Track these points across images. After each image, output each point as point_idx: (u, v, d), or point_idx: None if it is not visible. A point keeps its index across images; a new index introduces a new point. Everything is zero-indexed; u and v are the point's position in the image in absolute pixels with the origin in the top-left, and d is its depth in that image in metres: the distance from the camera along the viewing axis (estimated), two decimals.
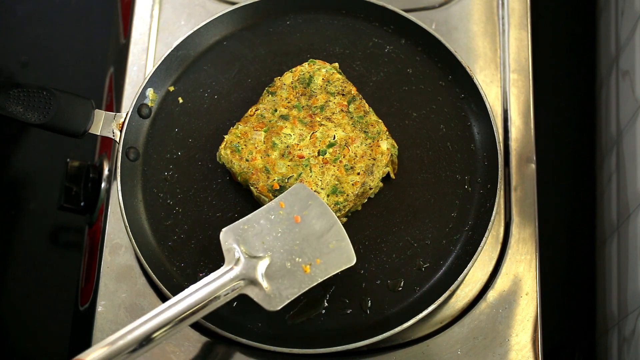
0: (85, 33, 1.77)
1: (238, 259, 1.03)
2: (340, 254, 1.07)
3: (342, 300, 1.18)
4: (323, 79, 1.24)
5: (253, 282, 1.03)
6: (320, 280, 1.06)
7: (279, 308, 1.03)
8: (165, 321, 0.98)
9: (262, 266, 1.03)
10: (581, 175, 1.61)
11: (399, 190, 1.23)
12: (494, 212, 1.18)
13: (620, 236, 1.37)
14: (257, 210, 1.06)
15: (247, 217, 1.05)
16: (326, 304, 1.18)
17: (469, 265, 1.16)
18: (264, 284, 1.03)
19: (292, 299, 1.03)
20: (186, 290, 1.01)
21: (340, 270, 1.07)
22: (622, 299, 1.34)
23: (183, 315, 0.99)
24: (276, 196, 1.17)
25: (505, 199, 1.26)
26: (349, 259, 1.08)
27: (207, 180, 1.24)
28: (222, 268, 1.04)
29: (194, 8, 1.38)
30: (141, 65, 1.34)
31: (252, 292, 1.03)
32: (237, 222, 1.05)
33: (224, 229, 1.04)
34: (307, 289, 1.05)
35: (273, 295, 1.03)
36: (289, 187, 1.17)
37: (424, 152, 1.25)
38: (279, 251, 1.04)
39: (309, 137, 1.20)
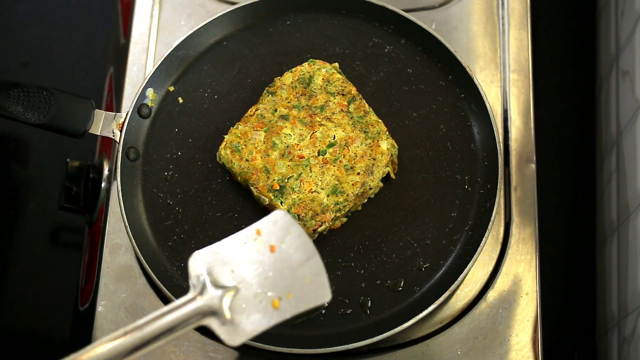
0: (85, 33, 1.77)
1: (204, 288, 0.93)
2: (314, 289, 0.96)
3: (342, 300, 1.18)
4: (323, 79, 1.24)
5: (217, 313, 0.93)
6: (289, 317, 0.94)
7: (239, 344, 0.93)
8: (113, 353, 0.88)
9: (228, 297, 0.93)
10: (581, 175, 1.61)
11: (399, 190, 1.23)
12: (494, 212, 1.18)
13: (620, 236, 1.37)
14: (231, 236, 0.97)
15: (220, 242, 0.96)
16: (326, 304, 1.18)
17: (469, 265, 1.16)
18: (228, 316, 0.93)
19: (256, 335, 0.93)
20: (143, 318, 0.90)
21: (312, 307, 0.95)
22: (622, 299, 1.34)
23: (134, 347, 0.89)
24: (276, 196, 1.17)
25: (505, 199, 1.26)
26: (324, 295, 0.96)
27: (207, 180, 1.24)
28: (186, 296, 0.93)
29: (194, 8, 1.38)
30: (141, 65, 1.34)
31: (214, 324, 0.93)
32: (208, 247, 0.96)
33: (194, 253, 0.95)
34: (273, 325, 0.94)
35: (236, 329, 0.93)
36: (289, 187, 1.17)
37: (424, 152, 1.25)
38: (249, 282, 0.95)
39: (309, 137, 1.20)
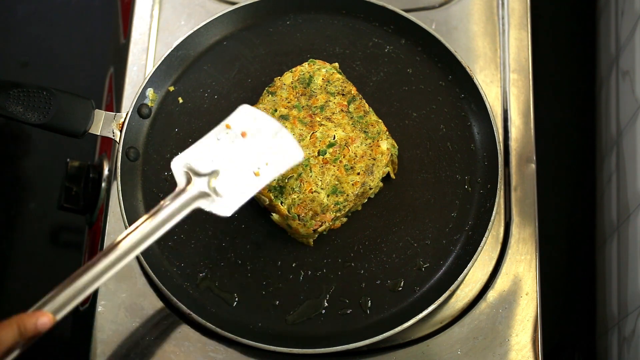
0: (85, 33, 1.77)
1: (189, 180, 1.06)
2: (287, 152, 1.10)
3: (342, 300, 1.18)
4: (323, 79, 1.24)
5: (205, 195, 1.05)
6: (271, 178, 1.09)
7: (232, 213, 1.05)
8: (127, 248, 1.00)
9: (212, 180, 1.06)
10: (581, 175, 1.61)
11: (399, 190, 1.23)
12: (494, 212, 1.18)
13: (620, 236, 1.37)
14: (203, 137, 1.08)
15: (194, 145, 1.08)
16: (326, 304, 1.18)
17: (469, 265, 1.16)
18: (216, 194, 1.05)
19: (245, 201, 1.06)
20: (143, 217, 1.02)
21: (289, 166, 1.10)
22: (622, 299, 1.34)
23: (141, 239, 1.01)
24: (276, 197, 1.17)
25: (505, 199, 1.26)
26: (296, 155, 1.10)
27: None
28: (174, 191, 1.05)
29: (194, 8, 1.38)
30: (141, 65, 1.34)
31: (204, 204, 1.05)
32: (185, 150, 1.07)
33: (174, 159, 1.06)
34: (258, 189, 1.09)
35: (226, 201, 1.06)
36: (289, 187, 1.17)
37: (424, 152, 1.25)
38: (228, 164, 1.07)
39: (309, 137, 1.20)
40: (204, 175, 1.06)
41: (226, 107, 1.28)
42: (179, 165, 1.07)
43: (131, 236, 1.00)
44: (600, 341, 1.45)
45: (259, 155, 1.10)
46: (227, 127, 1.10)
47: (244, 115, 1.11)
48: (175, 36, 1.34)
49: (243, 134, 1.10)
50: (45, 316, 0.94)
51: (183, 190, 1.05)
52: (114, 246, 0.99)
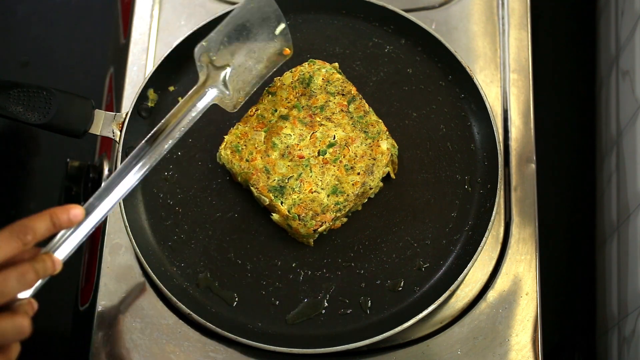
0: (85, 33, 1.77)
1: (208, 75, 1.11)
2: (282, 41, 1.15)
3: (342, 300, 1.18)
4: (323, 79, 1.24)
5: (220, 91, 1.12)
6: (269, 72, 1.16)
7: (238, 109, 1.15)
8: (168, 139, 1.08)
9: (225, 74, 1.12)
10: (581, 175, 1.61)
11: (399, 190, 1.23)
12: (494, 212, 1.18)
13: (620, 236, 1.37)
14: (225, 22, 1.11)
15: (216, 30, 1.11)
16: (326, 304, 1.18)
17: (469, 265, 1.16)
18: (227, 90, 1.12)
19: (247, 98, 1.14)
20: (173, 111, 1.09)
21: (277, 52, 1.16)
22: (622, 299, 1.34)
23: (177, 130, 1.09)
24: (277, 197, 1.17)
25: (505, 199, 1.26)
26: (286, 44, 1.16)
27: (207, 180, 1.24)
28: (198, 86, 1.11)
29: (194, 8, 1.38)
30: (141, 65, 1.34)
31: (219, 101, 1.13)
32: (208, 37, 1.11)
33: (199, 45, 1.10)
34: (257, 85, 1.15)
35: (232, 98, 1.13)
36: (289, 187, 1.17)
37: (424, 152, 1.25)
38: (240, 56, 1.13)
39: (309, 137, 1.20)
40: (220, 67, 1.11)
41: None
42: (200, 54, 1.10)
43: (167, 126, 1.07)
44: (600, 341, 1.45)
45: (257, 49, 1.13)
46: (243, 18, 1.12)
47: (255, 3, 1.12)
48: (175, 36, 1.34)
49: (249, 21, 1.11)
50: (77, 208, 0.95)
51: (204, 85, 1.11)
52: (150, 139, 1.07)
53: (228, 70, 1.11)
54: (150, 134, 1.08)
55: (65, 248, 0.98)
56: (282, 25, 1.14)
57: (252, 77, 1.14)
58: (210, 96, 1.11)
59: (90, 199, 1.00)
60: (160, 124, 1.09)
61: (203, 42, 1.10)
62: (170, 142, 1.08)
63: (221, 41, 1.11)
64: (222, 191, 1.24)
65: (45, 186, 1.66)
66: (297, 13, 1.33)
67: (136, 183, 1.05)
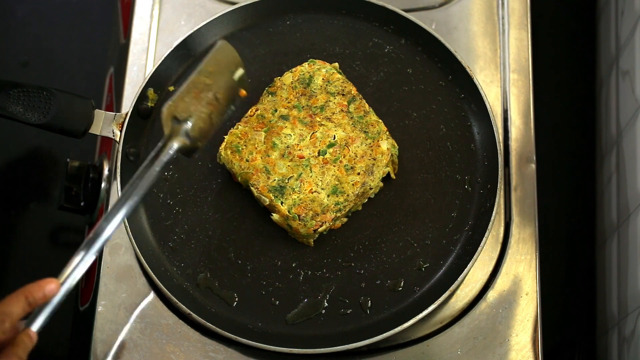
0: (85, 33, 1.77)
1: (172, 130, 1.08)
2: (237, 86, 1.14)
3: (342, 300, 1.18)
4: (323, 79, 1.24)
5: (183, 143, 1.08)
6: (226, 110, 1.13)
7: (199, 151, 1.11)
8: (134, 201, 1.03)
9: (187, 126, 1.08)
10: (581, 175, 1.61)
11: (399, 190, 1.23)
12: (494, 212, 1.18)
13: (620, 236, 1.37)
14: (185, 83, 1.09)
15: (178, 90, 1.09)
16: (326, 304, 1.18)
17: (469, 265, 1.16)
18: (188, 140, 1.08)
19: (205, 143, 1.11)
20: (137, 173, 1.05)
21: (234, 77, 1.15)
22: (622, 299, 1.34)
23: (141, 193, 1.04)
24: (277, 197, 1.17)
25: (505, 199, 1.26)
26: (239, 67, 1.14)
27: (207, 180, 1.24)
28: (162, 143, 1.07)
29: (194, 8, 1.38)
30: (141, 65, 1.34)
31: (181, 152, 1.09)
32: (171, 98, 1.09)
33: (166, 104, 1.08)
34: (218, 125, 1.12)
35: (192, 147, 1.10)
36: (289, 187, 1.17)
37: (424, 152, 1.25)
38: (199, 109, 1.10)
39: (309, 137, 1.20)
40: (183, 122, 1.08)
41: None
42: (166, 113, 1.08)
43: (128, 186, 1.03)
44: (600, 341, 1.45)
45: (218, 90, 1.12)
46: (207, 69, 1.11)
47: (219, 54, 1.12)
48: (175, 36, 1.34)
49: (211, 72, 1.11)
50: (51, 283, 0.96)
51: (170, 139, 1.08)
52: (113, 207, 1.02)
53: (189, 122, 1.08)
54: (121, 194, 1.04)
55: (40, 319, 0.97)
56: (241, 71, 1.14)
57: (211, 125, 1.12)
58: (174, 149, 1.08)
59: (65, 269, 1.00)
60: (128, 183, 1.04)
61: (170, 102, 1.08)
62: (136, 200, 1.03)
63: (184, 97, 1.09)
64: (222, 191, 1.24)
65: (45, 186, 1.65)
66: (297, 13, 1.33)
67: (105, 241, 1.02)
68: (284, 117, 1.21)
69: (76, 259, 0.99)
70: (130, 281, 1.22)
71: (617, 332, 1.34)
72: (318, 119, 1.21)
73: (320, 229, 1.17)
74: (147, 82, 1.26)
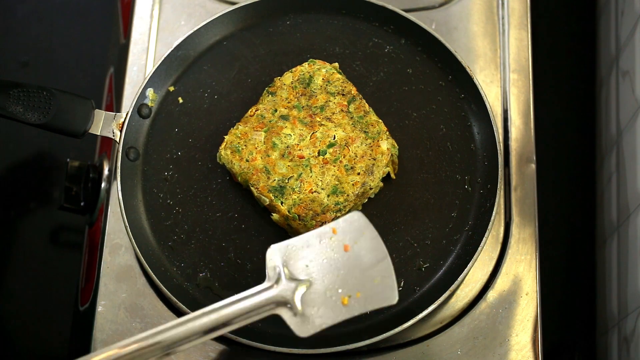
0: (85, 33, 1.77)
1: (279, 279, 1.00)
2: (382, 291, 1.01)
3: None
4: (323, 79, 1.24)
5: (289, 304, 0.99)
6: (356, 314, 1.00)
7: (309, 335, 0.99)
8: (192, 331, 0.97)
9: (301, 290, 1.00)
10: (581, 175, 1.61)
11: (399, 190, 1.23)
12: (494, 212, 1.18)
13: (620, 236, 1.37)
14: (308, 233, 1.02)
15: (296, 237, 1.02)
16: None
17: (469, 265, 1.16)
18: (299, 308, 0.99)
19: (324, 328, 0.99)
20: (220, 302, 0.98)
21: (379, 307, 1.01)
22: (622, 299, 1.34)
23: (211, 327, 0.97)
24: (277, 197, 1.17)
25: (505, 199, 1.26)
26: (391, 297, 1.01)
27: (207, 180, 1.24)
28: (262, 285, 1.00)
29: (194, 8, 1.38)
30: (141, 65, 1.34)
31: (285, 314, 1.00)
32: (286, 241, 1.01)
33: (272, 246, 1.01)
34: (341, 320, 1.00)
35: (306, 321, 0.99)
36: (289, 187, 1.17)
37: (424, 152, 1.25)
38: (321, 278, 1.00)
39: (309, 137, 1.20)
40: (294, 280, 1.00)
41: (226, 107, 1.28)
42: (275, 254, 1.00)
43: (197, 322, 0.96)
44: (600, 341, 1.45)
45: (354, 280, 1.01)
46: (334, 231, 1.02)
47: (354, 224, 1.03)
48: (175, 36, 1.34)
49: (345, 248, 1.01)
50: None
51: (270, 288, 0.99)
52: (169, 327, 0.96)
53: (303, 288, 0.98)
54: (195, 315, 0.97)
55: None
56: (390, 270, 1.01)
57: (336, 314, 0.98)
58: (269, 310, 0.97)
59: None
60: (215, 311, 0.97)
61: (280, 245, 0.99)
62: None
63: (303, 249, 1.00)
64: (222, 191, 1.24)
65: (45, 186, 1.65)
66: (297, 13, 1.33)
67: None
68: (284, 117, 1.21)
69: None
70: (130, 281, 1.22)
71: (617, 332, 1.34)
72: (318, 119, 1.21)
73: None
74: (147, 82, 1.26)
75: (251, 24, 1.32)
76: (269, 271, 1.00)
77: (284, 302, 0.99)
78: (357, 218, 1.03)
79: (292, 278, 1.00)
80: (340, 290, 1.00)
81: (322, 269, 1.00)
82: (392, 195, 1.23)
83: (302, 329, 0.99)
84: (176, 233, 1.22)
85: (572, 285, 1.55)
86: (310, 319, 0.99)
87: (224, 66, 1.30)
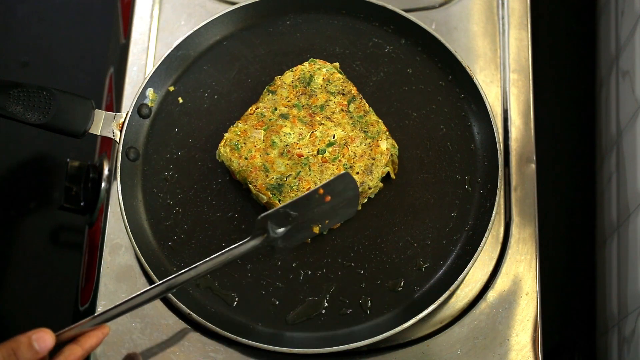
0: (85, 33, 1.77)
1: (264, 234, 1.10)
2: (346, 212, 1.16)
3: (342, 300, 1.18)
4: (323, 78, 1.24)
5: (270, 245, 1.11)
6: (321, 232, 1.17)
7: (281, 259, 1.16)
8: (183, 279, 1.07)
9: (282, 233, 1.11)
10: (581, 175, 1.61)
11: (399, 190, 1.23)
12: (494, 212, 1.18)
13: (620, 236, 1.37)
14: (298, 198, 1.11)
15: (287, 204, 1.11)
16: (326, 304, 1.18)
17: (469, 265, 1.16)
18: (279, 244, 1.11)
19: (291, 248, 1.16)
20: (211, 256, 1.08)
21: (340, 223, 1.19)
22: (622, 299, 1.34)
23: (209, 269, 1.08)
24: (275, 195, 1.17)
25: (505, 199, 1.26)
26: (352, 213, 1.17)
27: (207, 180, 1.24)
28: (248, 239, 1.10)
29: (194, 8, 1.38)
30: (141, 65, 1.34)
31: (264, 251, 1.13)
32: (276, 209, 1.10)
33: (262, 215, 1.09)
34: (306, 239, 1.17)
35: (279, 250, 1.13)
36: (288, 185, 1.17)
37: (424, 152, 1.25)
38: (300, 222, 1.12)
39: (308, 136, 1.20)
40: (278, 233, 1.11)
41: (226, 107, 1.28)
42: (263, 223, 1.09)
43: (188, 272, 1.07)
44: (600, 341, 1.45)
45: (326, 214, 1.14)
46: (320, 191, 1.11)
47: (340, 184, 1.12)
48: (175, 36, 1.34)
49: (327, 199, 1.12)
50: (41, 331, 0.92)
51: (255, 239, 1.10)
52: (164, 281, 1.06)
53: (284, 231, 1.11)
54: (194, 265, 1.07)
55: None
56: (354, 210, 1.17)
57: (306, 236, 1.15)
58: (255, 243, 1.10)
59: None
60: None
61: (265, 216, 1.09)
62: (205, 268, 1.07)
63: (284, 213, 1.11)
64: (222, 191, 1.24)
65: (45, 186, 1.66)
66: (297, 13, 1.33)
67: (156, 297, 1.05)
68: (284, 116, 1.21)
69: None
70: (130, 281, 1.22)
71: (617, 332, 1.34)
72: (318, 118, 1.21)
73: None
74: (147, 82, 1.26)
75: (251, 24, 1.32)
76: (256, 231, 1.10)
77: (266, 245, 1.11)
78: (344, 178, 1.13)
79: (275, 230, 1.10)
80: (312, 224, 1.14)
81: (302, 217, 1.12)
82: (392, 195, 1.23)
83: (275, 255, 1.16)
84: (176, 233, 1.22)
85: (572, 285, 1.55)
86: (285, 247, 1.13)
87: (224, 66, 1.30)
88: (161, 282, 1.06)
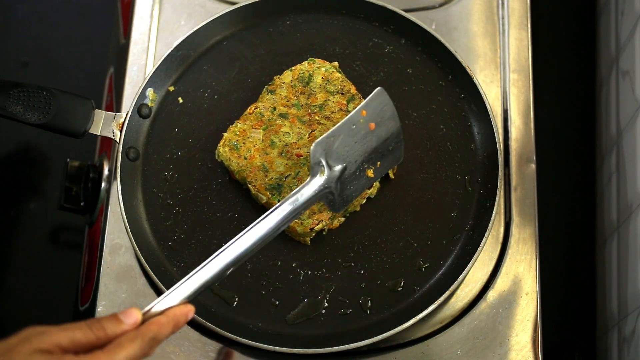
0: (85, 33, 1.77)
1: (322, 172, 1.09)
2: (395, 154, 1.17)
3: (342, 300, 1.18)
4: (322, 77, 1.24)
5: (330, 190, 1.09)
6: (376, 180, 1.16)
7: (342, 211, 1.14)
8: (271, 229, 1.03)
9: (339, 175, 1.10)
10: (581, 175, 1.61)
11: (399, 190, 1.23)
12: (494, 212, 1.18)
13: (620, 236, 1.37)
14: (342, 122, 1.10)
15: (333, 128, 1.10)
16: (326, 304, 1.18)
17: (469, 265, 1.16)
18: (337, 191, 1.10)
19: (352, 201, 1.14)
20: (279, 204, 1.05)
21: (391, 167, 1.19)
22: (622, 299, 1.34)
23: (281, 224, 1.04)
24: (274, 195, 1.17)
25: (505, 199, 1.26)
26: (400, 157, 1.18)
27: (207, 180, 1.24)
28: (310, 180, 1.08)
29: (194, 8, 1.38)
30: (141, 65, 1.34)
31: (325, 200, 1.10)
32: (325, 134, 1.09)
33: (315, 142, 1.08)
34: (365, 190, 1.16)
35: (339, 199, 1.11)
36: (287, 185, 1.17)
37: (424, 152, 1.25)
38: (354, 160, 1.11)
39: (307, 136, 1.20)
40: (335, 171, 1.09)
41: (226, 107, 1.28)
42: (317, 150, 1.08)
43: (268, 219, 1.03)
44: (600, 341, 1.45)
45: (376, 153, 1.14)
46: (363, 113, 1.11)
47: (378, 101, 1.12)
48: (175, 36, 1.34)
49: (371, 126, 1.12)
50: (129, 308, 0.92)
51: (317, 181, 1.08)
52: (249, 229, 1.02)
53: (339, 173, 1.09)
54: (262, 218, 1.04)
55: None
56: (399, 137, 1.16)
57: (363, 185, 1.14)
58: (316, 185, 1.08)
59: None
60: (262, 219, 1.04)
61: (321, 140, 1.08)
62: (276, 222, 1.03)
63: (342, 141, 1.09)
64: (222, 191, 1.24)
65: (45, 186, 1.66)
66: (297, 13, 1.33)
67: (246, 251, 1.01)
68: (283, 116, 1.21)
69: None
70: (130, 281, 1.22)
71: (617, 332, 1.34)
72: (317, 117, 1.21)
73: (316, 228, 1.17)
74: (147, 82, 1.26)
75: (251, 24, 1.32)
76: (313, 166, 1.08)
77: (327, 190, 1.09)
78: (379, 92, 1.12)
79: (331, 167, 1.09)
80: (366, 166, 1.13)
81: (354, 152, 1.11)
82: (392, 195, 1.23)
83: (336, 207, 1.12)
84: (176, 233, 1.22)
85: (572, 285, 1.55)
86: (343, 196, 1.11)
87: (224, 66, 1.30)
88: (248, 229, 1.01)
